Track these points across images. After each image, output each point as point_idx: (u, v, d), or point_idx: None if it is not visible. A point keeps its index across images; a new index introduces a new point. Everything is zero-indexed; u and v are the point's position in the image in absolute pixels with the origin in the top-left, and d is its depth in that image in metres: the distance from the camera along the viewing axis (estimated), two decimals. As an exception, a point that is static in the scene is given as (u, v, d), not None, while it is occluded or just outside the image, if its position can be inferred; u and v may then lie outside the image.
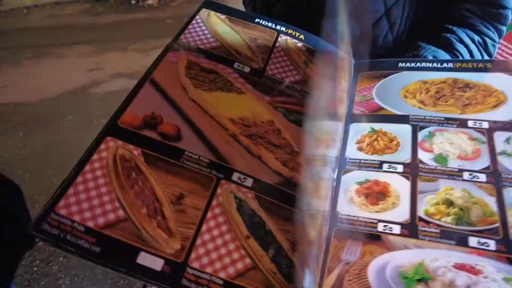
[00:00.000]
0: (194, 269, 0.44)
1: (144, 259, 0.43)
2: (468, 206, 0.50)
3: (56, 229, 0.43)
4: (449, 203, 0.51)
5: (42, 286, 1.82)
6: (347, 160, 0.62)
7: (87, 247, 0.42)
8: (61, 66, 3.62)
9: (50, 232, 0.42)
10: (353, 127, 0.66)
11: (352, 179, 0.59)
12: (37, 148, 2.65)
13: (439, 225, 0.50)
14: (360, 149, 0.63)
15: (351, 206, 0.55)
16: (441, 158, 0.57)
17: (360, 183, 0.58)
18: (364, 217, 0.53)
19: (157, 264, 0.43)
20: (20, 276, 1.83)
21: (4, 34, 4.22)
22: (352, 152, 0.63)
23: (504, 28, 0.82)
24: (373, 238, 0.51)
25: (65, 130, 2.83)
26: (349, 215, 0.54)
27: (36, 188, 2.22)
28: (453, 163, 0.56)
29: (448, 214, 0.50)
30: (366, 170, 0.59)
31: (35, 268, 1.88)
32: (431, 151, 0.59)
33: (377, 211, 0.54)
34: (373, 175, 0.58)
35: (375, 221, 0.52)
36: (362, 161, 0.61)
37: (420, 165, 0.57)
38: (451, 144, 0.59)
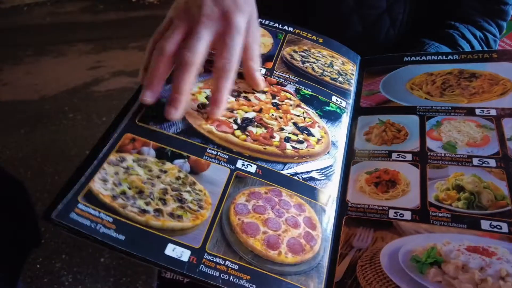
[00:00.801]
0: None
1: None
2: (478, 190, 0.51)
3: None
4: (459, 188, 0.52)
5: (45, 283, 1.82)
6: (356, 151, 0.62)
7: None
8: (62, 64, 3.60)
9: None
10: (361, 119, 0.67)
11: (361, 169, 0.60)
12: (38, 146, 2.65)
13: (450, 210, 0.50)
14: (368, 140, 0.64)
15: (361, 195, 0.56)
16: (449, 146, 0.58)
17: (369, 173, 0.59)
18: (374, 205, 0.54)
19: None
20: (23, 273, 1.83)
21: (5, 32, 4.20)
22: (360, 143, 0.63)
23: (504, 24, 0.82)
24: (384, 224, 0.51)
25: (67, 127, 2.83)
26: (359, 204, 0.55)
27: (38, 186, 2.22)
28: (462, 150, 0.57)
29: (458, 199, 0.51)
30: (375, 160, 0.60)
31: (37, 266, 1.88)
32: (439, 139, 0.59)
33: (387, 199, 0.54)
34: (382, 164, 0.59)
35: (385, 208, 0.53)
36: (371, 151, 0.61)
37: (429, 153, 0.58)
38: (459, 132, 0.59)
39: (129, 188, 0.48)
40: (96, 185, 0.47)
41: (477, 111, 0.61)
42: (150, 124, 0.55)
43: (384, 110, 0.67)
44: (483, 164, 0.54)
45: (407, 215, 0.51)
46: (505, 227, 0.46)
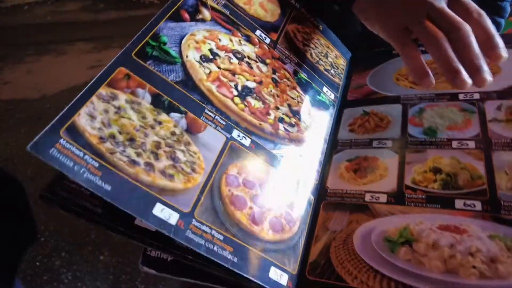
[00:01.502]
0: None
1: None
2: (455, 171, 0.50)
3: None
4: (437, 170, 0.51)
5: (45, 280, 1.82)
6: (339, 141, 0.63)
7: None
8: (63, 63, 3.60)
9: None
10: (346, 112, 0.67)
11: (343, 157, 0.60)
12: (39, 144, 2.65)
13: (425, 191, 0.49)
14: (352, 130, 0.64)
15: (340, 181, 0.56)
16: (430, 131, 0.57)
17: (350, 160, 0.58)
18: (352, 190, 0.54)
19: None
20: (23, 271, 1.83)
21: (5, 30, 4.21)
22: (344, 134, 0.64)
23: (502, 21, 0.80)
24: (360, 208, 0.51)
25: (67, 126, 2.83)
26: (337, 189, 0.55)
27: (37, 184, 2.22)
28: (443, 135, 0.56)
29: (435, 181, 0.50)
30: (356, 148, 0.60)
31: (37, 263, 1.88)
32: (420, 125, 0.58)
33: (365, 183, 0.54)
34: (363, 152, 0.59)
35: (362, 192, 0.53)
36: (353, 140, 0.61)
37: (409, 139, 0.57)
38: (441, 117, 0.58)
39: (120, 133, 0.43)
40: (82, 120, 0.41)
41: (461, 96, 0.60)
42: (149, 63, 0.50)
43: (369, 101, 0.67)
44: (462, 146, 0.53)
45: (383, 198, 0.50)
46: (478, 205, 0.45)
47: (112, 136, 0.43)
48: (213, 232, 0.43)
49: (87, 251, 1.92)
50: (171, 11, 0.57)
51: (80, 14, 4.58)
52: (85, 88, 0.44)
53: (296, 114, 0.60)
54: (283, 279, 0.46)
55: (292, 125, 0.59)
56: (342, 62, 0.76)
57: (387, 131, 0.60)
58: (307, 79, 0.66)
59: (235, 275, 0.43)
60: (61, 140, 0.39)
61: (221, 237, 0.44)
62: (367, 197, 0.51)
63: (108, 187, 0.39)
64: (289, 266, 0.47)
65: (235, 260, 0.43)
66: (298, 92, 0.63)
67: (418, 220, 0.46)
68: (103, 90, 0.45)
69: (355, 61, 0.77)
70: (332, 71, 0.72)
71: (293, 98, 0.62)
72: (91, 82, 0.45)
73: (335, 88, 0.70)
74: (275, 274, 0.45)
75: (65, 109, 0.41)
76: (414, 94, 0.64)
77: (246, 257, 0.44)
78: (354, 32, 0.83)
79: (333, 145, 0.62)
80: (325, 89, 0.68)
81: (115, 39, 3.91)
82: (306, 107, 0.63)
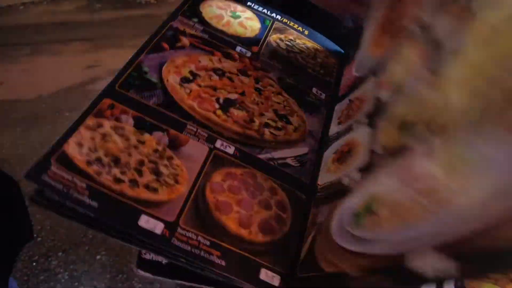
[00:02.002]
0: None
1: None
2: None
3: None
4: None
5: (41, 280, 1.82)
6: (330, 137, 0.62)
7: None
8: (58, 63, 3.58)
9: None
10: (337, 107, 0.67)
11: (331, 152, 0.59)
12: (35, 144, 2.63)
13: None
14: (339, 123, 0.63)
15: (328, 175, 0.55)
16: (399, 87, 0.53)
17: (335, 152, 0.58)
18: (334, 179, 0.52)
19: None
20: (19, 271, 1.83)
21: (1, 30, 4.21)
22: (333, 129, 0.63)
23: None
24: (341, 193, 0.49)
25: (63, 126, 2.78)
26: (324, 184, 0.54)
27: (33, 185, 2.22)
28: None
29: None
30: (341, 138, 0.59)
31: (34, 263, 1.88)
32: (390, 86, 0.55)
33: (345, 168, 0.52)
34: (345, 139, 0.57)
35: (340, 177, 0.51)
36: (339, 132, 0.61)
37: (381, 106, 0.54)
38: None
39: (105, 156, 0.47)
40: (70, 148, 0.46)
41: None
42: (131, 92, 0.54)
43: (354, 88, 0.66)
44: None
45: (357, 175, 0.48)
46: None
47: (99, 159, 0.47)
48: (199, 238, 0.45)
49: (84, 251, 1.92)
50: (152, 44, 0.61)
51: (76, 14, 4.57)
52: (74, 122, 0.49)
53: (282, 117, 0.62)
54: (275, 280, 0.46)
55: (278, 129, 0.60)
56: (333, 61, 0.76)
57: (365, 110, 0.58)
58: (293, 83, 0.68)
59: (228, 277, 0.44)
60: (52, 167, 0.43)
61: (208, 243, 0.45)
62: (345, 181, 0.50)
63: (95, 204, 0.42)
64: (281, 267, 0.47)
65: (223, 263, 0.44)
66: (284, 96, 0.65)
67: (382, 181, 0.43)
68: (89, 121, 0.49)
69: (348, 57, 0.76)
70: (321, 71, 0.73)
71: (278, 103, 0.63)
72: (78, 117, 0.49)
73: (326, 87, 0.71)
74: (266, 275, 0.45)
75: (55, 141, 0.46)
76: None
77: (234, 261, 0.45)
78: (346, 29, 0.84)
79: (325, 143, 0.61)
80: (314, 89, 0.69)
81: (112, 39, 3.89)
82: (293, 109, 0.64)
